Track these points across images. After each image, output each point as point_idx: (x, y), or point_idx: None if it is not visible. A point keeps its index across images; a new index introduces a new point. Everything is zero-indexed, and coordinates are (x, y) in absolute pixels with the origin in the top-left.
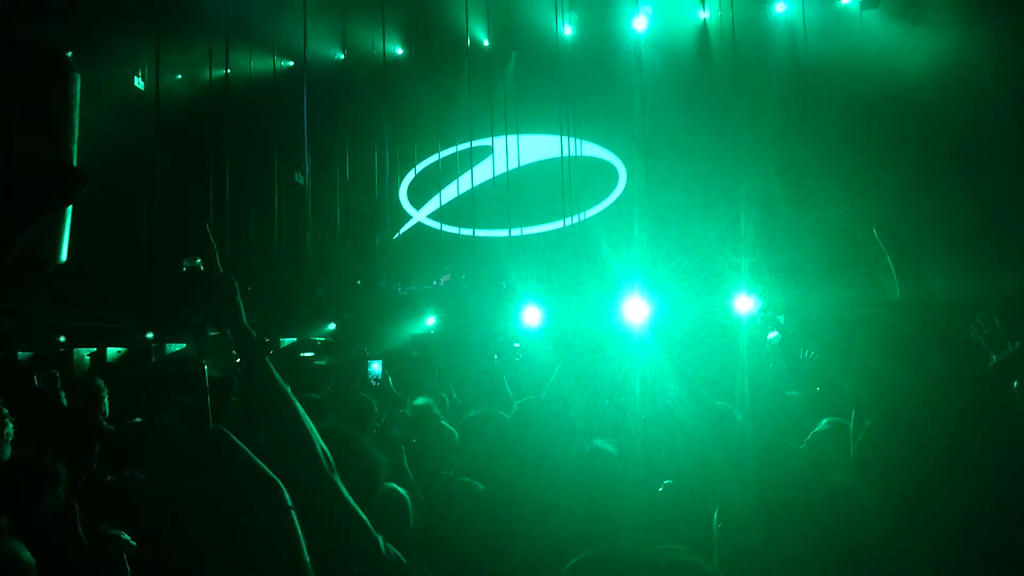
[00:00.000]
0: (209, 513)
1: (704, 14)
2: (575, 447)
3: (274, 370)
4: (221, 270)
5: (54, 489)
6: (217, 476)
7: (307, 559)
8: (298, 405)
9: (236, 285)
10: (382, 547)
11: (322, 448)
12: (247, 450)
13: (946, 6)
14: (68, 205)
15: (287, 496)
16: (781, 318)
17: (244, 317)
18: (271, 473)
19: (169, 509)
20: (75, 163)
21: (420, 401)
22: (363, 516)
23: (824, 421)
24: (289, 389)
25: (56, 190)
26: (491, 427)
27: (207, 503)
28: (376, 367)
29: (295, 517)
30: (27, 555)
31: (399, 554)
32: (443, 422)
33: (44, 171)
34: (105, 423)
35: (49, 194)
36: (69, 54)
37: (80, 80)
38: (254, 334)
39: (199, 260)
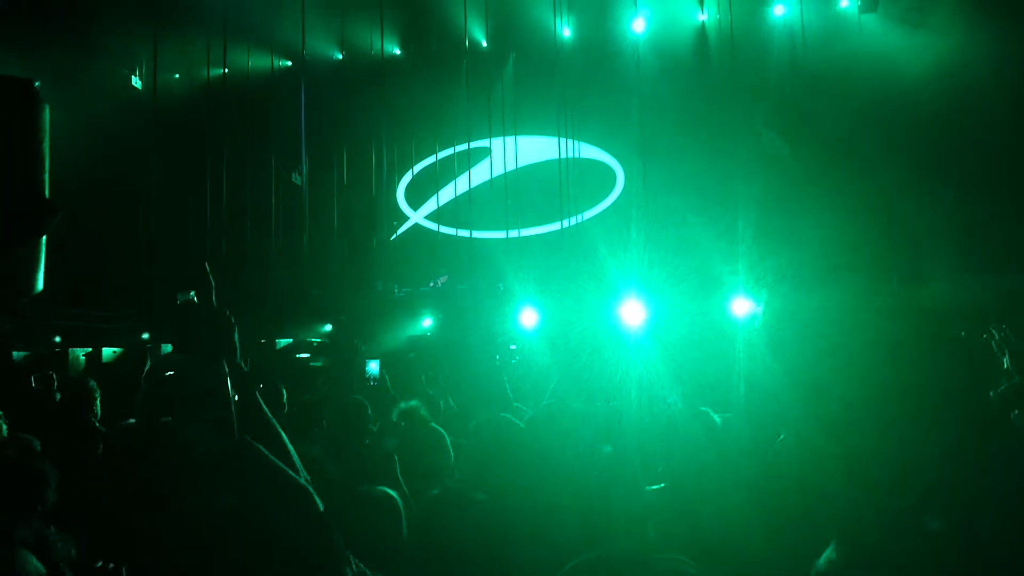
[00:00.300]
0: (245, 526)
1: (703, 16)
2: (592, 455)
3: (262, 403)
4: (215, 305)
5: (44, 491)
6: (248, 487)
7: (347, 564)
8: (284, 436)
9: (233, 321)
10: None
11: (305, 478)
12: (274, 459)
13: (946, 10)
14: (41, 236)
15: (319, 502)
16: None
17: (239, 353)
18: (300, 480)
19: (203, 525)
20: (47, 194)
21: (408, 404)
22: (344, 551)
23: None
24: (276, 422)
25: (29, 221)
26: (503, 433)
27: (241, 516)
28: (373, 367)
29: (328, 521)
30: (35, 562)
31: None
32: (433, 424)
33: (16, 203)
34: (97, 423)
35: (22, 226)
36: (37, 84)
37: (48, 111)
38: (246, 368)
39: (192, 293)
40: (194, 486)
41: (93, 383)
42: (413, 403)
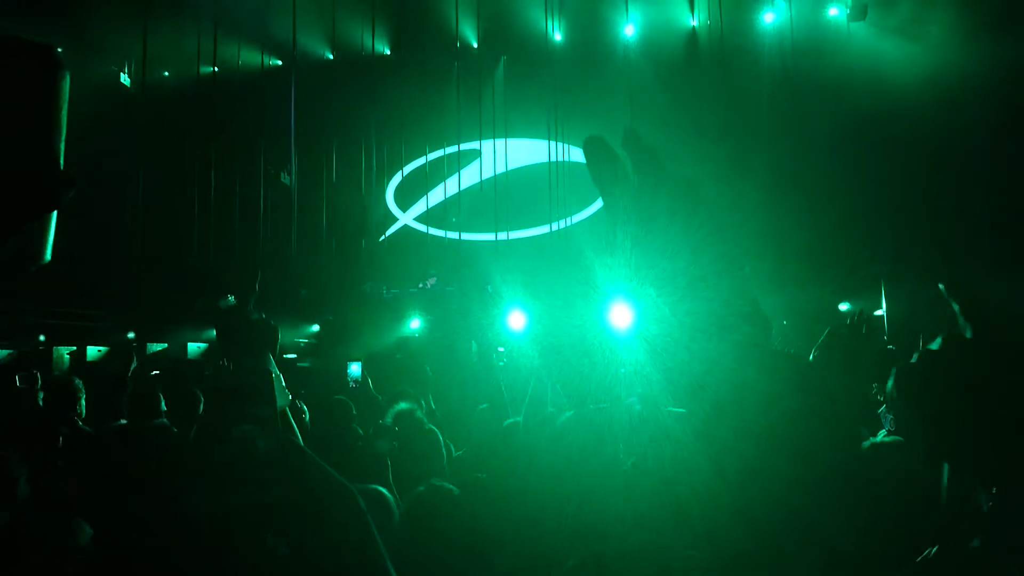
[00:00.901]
0: (291, 524)
1: (693, 21)
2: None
3: (291, 416)
4: (254, 312)
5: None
6: (294, 486)
7: (389, 565)
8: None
9: (275, 325)
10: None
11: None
12: (317, 457)
13: (943, 23)
14: (55, 209)
15: (362, 501)
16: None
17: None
18: (343, 479)
19: (249, 523)
20: (62, 165)
21: (402, 406)
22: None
23: None
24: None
25: (45, 194)
26: (532, 436)
27: (288, 514)
28: (355, 369)
29: (371, 521)
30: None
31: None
32: (429, 426)
33: (31, 173)
34: (81, 423)
35: (36, 198)
36: (59, 50)
37: (69, 78)
38: (279, 375)
39: (232, 298)
40: (249, 483)
41: (78, 382)
42: (405, 405)
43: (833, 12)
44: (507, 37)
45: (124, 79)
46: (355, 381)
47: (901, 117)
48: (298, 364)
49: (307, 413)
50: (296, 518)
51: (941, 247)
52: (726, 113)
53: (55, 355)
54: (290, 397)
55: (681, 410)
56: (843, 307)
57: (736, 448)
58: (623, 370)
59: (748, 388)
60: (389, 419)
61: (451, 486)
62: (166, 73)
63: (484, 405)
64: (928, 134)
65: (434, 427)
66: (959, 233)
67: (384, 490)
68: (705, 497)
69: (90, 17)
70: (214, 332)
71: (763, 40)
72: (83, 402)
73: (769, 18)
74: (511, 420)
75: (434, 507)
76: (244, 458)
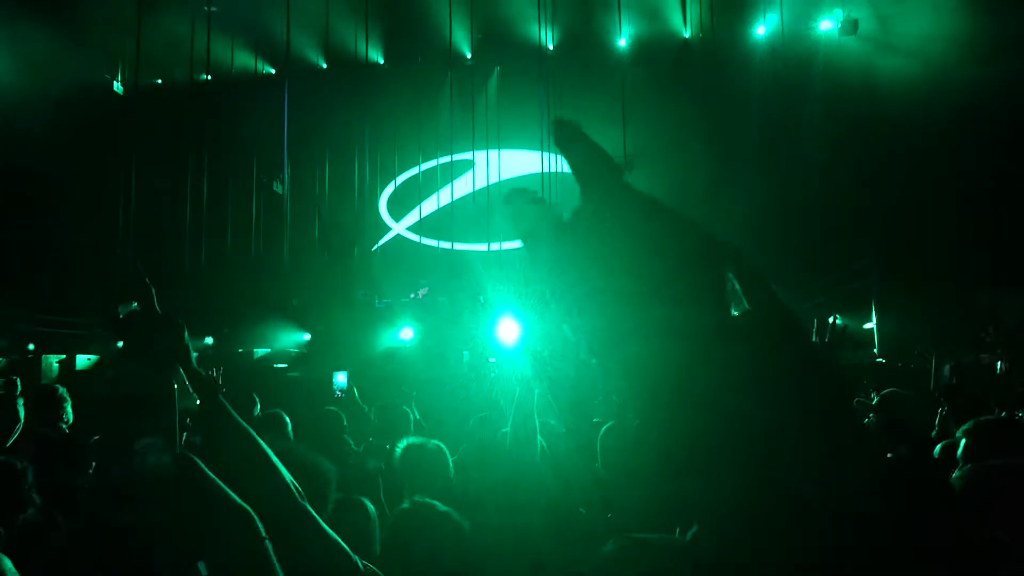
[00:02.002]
0: (175, 547)
1: (687, 34)
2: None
3: (229, 407)
4: (159, 311)
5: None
6: (185, 506)
7: None
8: (259, 439)
9: (183, 324)
10: (360, 566)
11: (291, 480)
12: (215, 478)
13: (921, 34)
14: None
15: (260, 526)
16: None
17: (193, 358)
18: (241, 502)
19: (129, 543)
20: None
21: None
22: (340, 541)
23: None
24: (247, 425)
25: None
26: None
27: (173, 536)
28: (341, 379)
29: (270, 548)
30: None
31: (376, 570)
32: (435, 442)
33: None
34: (66, 430)
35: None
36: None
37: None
38: (203, 373)
39: (135, 304)
40: (135, 501)
41: (62, 389)
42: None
43: (825, 25)
44: (501, 48)
45: (117, 87)
46: (340, 391)
47: (892, 128)
48: (288, 374)
49: (289, 424)
50: (185, 539)
51: (928, 258)
52: (719, 123)
53: (43, 363)
54: (198, 401)
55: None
56: (831, 319)
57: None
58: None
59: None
60: (399, 452)
61: (434, 501)
62: (159, 81)
63: (480, 415)
64: (920, 144)
65: (442, 445)
66: (949, 244)
67: (367, 501)
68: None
69: (84, 23)
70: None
71: (755, 51)
72: (69, 409)
73: (761, 31)
74: (504, 431)
75: (418, 523)
76: (139, 473)
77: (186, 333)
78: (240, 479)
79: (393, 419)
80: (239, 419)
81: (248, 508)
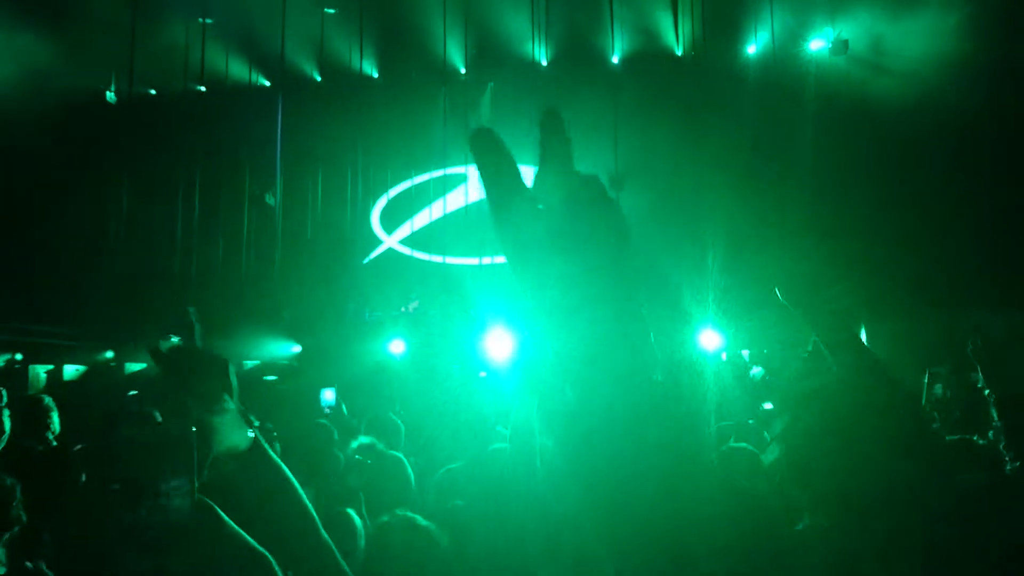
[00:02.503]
0: None
1: (679, 51)
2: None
3: (267, 446)
4: (201, 346)
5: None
6: (204, 554)
7: None
8: (294, 480)
9: (229, 363)
10: None
11: (319, 524)
12: (233, 524)
13: (912, 55)
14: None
15: (278, 570)
16: (746, 355)
17: (237, 396)
18: (259, 547)
19: None
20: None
21: (364, 440)
22: None
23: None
24: (284, 465)
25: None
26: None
27: None
28: (329, 396)
29: None
30: None
31: None
32: (393, 452)
33: None
34: (53, 440)
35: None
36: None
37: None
38: (242, 407)
39: (175, 339)
40: (158, 546)
41: (49, 400)
42: (366, 439)
43: (815, 45)
44: (494, 63)
45: (110, 96)
46: (328, 408)
47: (881, 146)
48: (278, 386)
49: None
50: None
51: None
52: (710, 141)
53: (31, 373)
54: (250, 435)
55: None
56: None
57: (609, 478)
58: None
59: (619, 419)
60: (350, 450)
61: (415, 515)
62: (152, 91)
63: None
64: (909, 164)
65: (399, 454)
66: (934, 267)
67: (353, 513)
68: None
69: (78, 32)
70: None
71: (746, 70)
72: (56, 419)
73: (752, 50)
74: (497, 446)
75: (398, 537)
76: (158, 519)
77: (232, 369)
78: (271, 515)
79: (383, 434)
80: (277, 459)
81: (266, 554)
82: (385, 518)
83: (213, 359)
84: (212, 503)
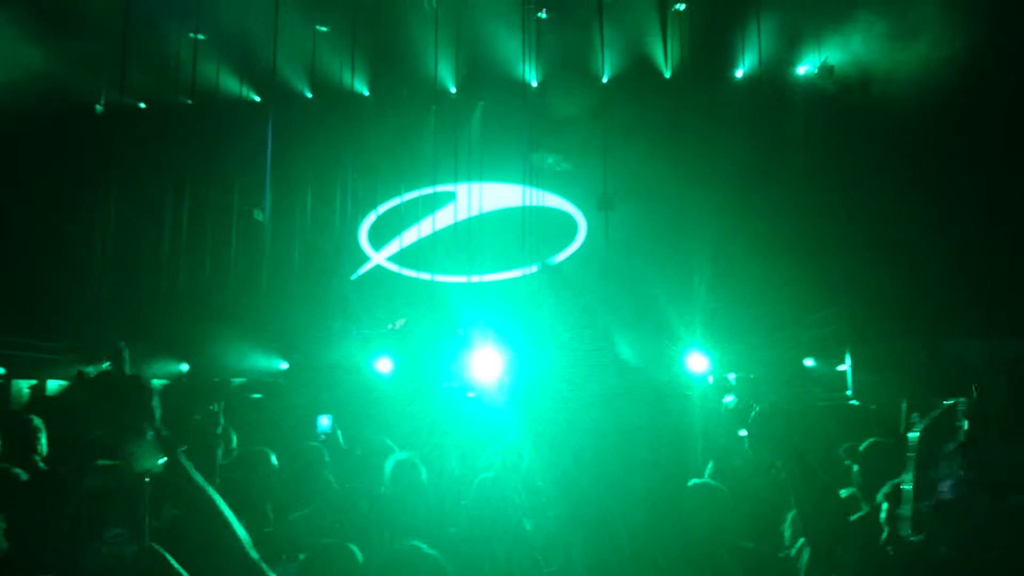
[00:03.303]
0: None
1: (668, 74)
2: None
3: (189, 465)
4: (128, 371)
5: None
6: None
7: None
8: (215, 495)
9: (151, 385)
10: None
11: (243, 534)
12: (180, 568)
13: (899, 82)
14: None
15: None
16: (732, 378)
17: (158, 417)
18: None
19: None
20: None
21: (402, 456)
22: None
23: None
24: (203, 481)
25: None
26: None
27: None
28: (325, 422)
29: None
30: None
31: None
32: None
33: None
34: (41, 464)
35: None
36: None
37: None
38: (165, 433)
39: (106, 364)
40: None
41: (38, 420)
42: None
43: (802, 69)
44: (485, 83)
45: (98, 108)
46: (324, 435)
47: (867, 171)
48: (263, 405)
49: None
50: None
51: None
52: (699, 162)
53: (13, 388)
54: (163, 460)
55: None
56: (808, 362)
57: (593, 498)
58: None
59: (606, 437)
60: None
61: (421, 544)
62: (142, 105)
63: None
64: (893, 188)
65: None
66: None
67: (354, 548)
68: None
69: (66, 44)
70: (84, 401)
71: (736, 89)
72: (44, 441)
73: (740, 73)
74: (483, 476)
75: (404, 568)
76: (113, 564)
77: (156, 398)
78: (197, 536)
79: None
80: (197, 476)
81: None
82: (394, 546)
83: (137, 388)
84: (162, 550)
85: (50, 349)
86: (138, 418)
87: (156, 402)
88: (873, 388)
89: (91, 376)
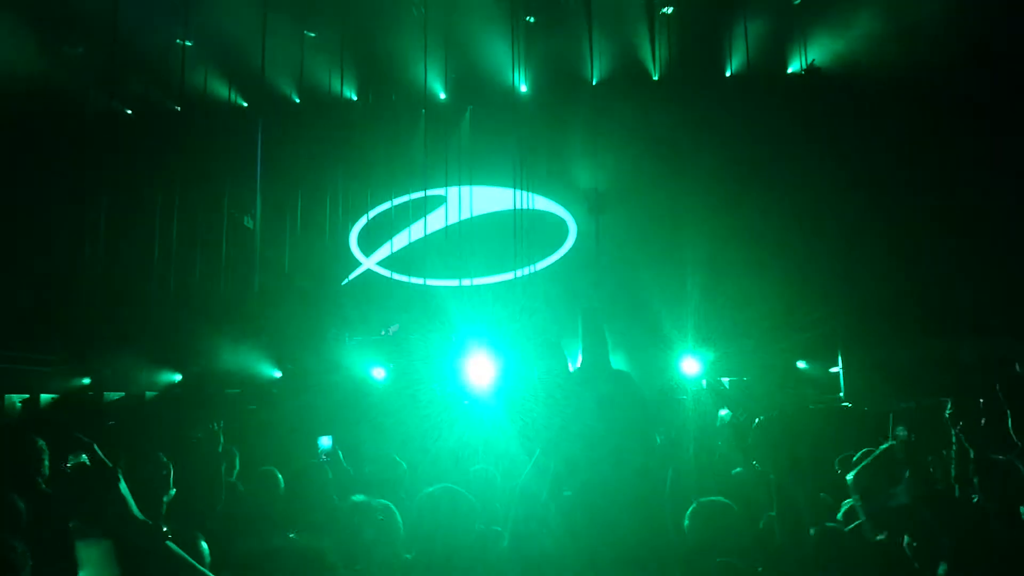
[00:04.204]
0: None
1: (656, 76)
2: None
3: (178, 550)
4: (108, 463)
5: None
6: None
7: None
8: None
9: (119, 475)
10: None
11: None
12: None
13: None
14: None
15: None
16: (726, 382)
17: (133, 506)
18: None
19: None
20: None
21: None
22: None
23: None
24: (195, 562)
25: None
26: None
27: None
28: (326, 441)
29: None
30: None
31: None
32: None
33: None
34: (43, 485)
35: None
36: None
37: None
38: (150, 523)
39: (84, 457)
40: None
41: (42, 442)
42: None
43: (790, 69)
44: (474, 87)
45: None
46: (325, 454)
47: (857, 171)
48: (258, 416)
49: (282, 482)
50: None
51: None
52: (689, 163)
53: (7, 402)
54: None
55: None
56: (800, 364)
57: (585, 502)
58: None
59: (600, 445)
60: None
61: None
62: (129, 111)
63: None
64: (884, 188)
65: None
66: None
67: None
68: (554, 553)
69: (54, 50)
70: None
71: (724, 91)
72: (47, 463)
73: (728, 73)
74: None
75: None
76: None
77: (121, 484)
78: None
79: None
80: (187, 557)
81: None
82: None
83: (102, 474)
84: (176, 548)
85: (41, 361)
86: (104, 508)
87: (125, 492)
88: (866, 391)
89: (69, 471)
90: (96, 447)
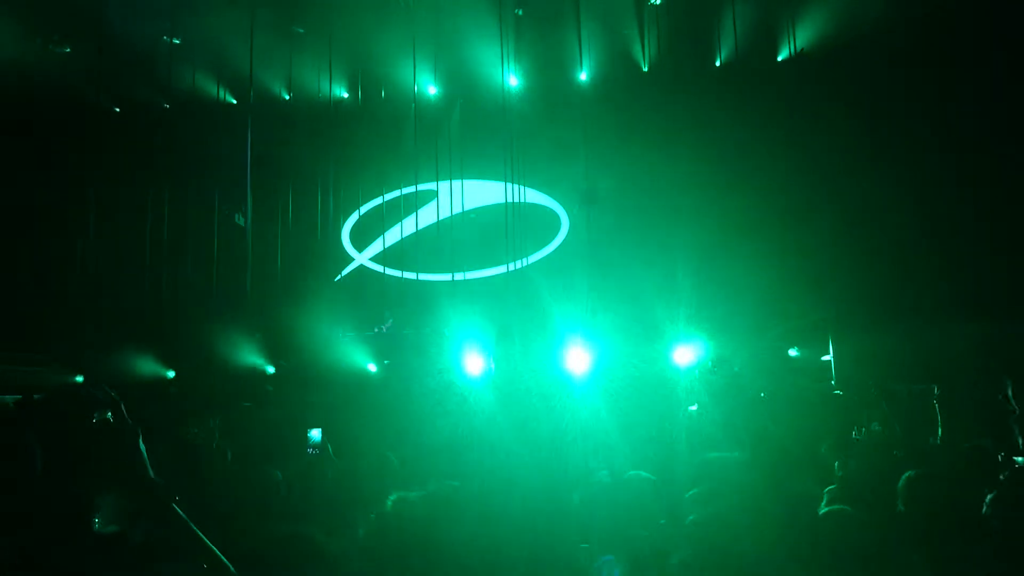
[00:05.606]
0: None
1: (645, 67)
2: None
3: (183, 514)
4: (129, 421)
5: None
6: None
7: None
8: (208, 543)
9: (139, 433)
10: None
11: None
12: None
13: (872, 75)
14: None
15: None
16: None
17: (149, 466)
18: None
19: None
20: None
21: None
22: None
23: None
24: (199, 531)
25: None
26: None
27: None
28: (315, 434)
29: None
30: None
31: None
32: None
33: None
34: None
35: None
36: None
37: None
38: (160, 482)
39: (109, 413)
40: None
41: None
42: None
43: (778, 56)
44: (464, 82)
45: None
46: (314, 447)
47: (848, 158)
48: (253, 413)
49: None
50: None
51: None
52: (679, 153)
53: None
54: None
55: (651, 477)
56: (792, 352)
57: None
58: (574, 419)
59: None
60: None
61: None
62: (117, 109)
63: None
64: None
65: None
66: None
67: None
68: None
69: (42, 48)
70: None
71: (714, 81)
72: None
73: (717, 62)
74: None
75: None
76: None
77: (140, 440)
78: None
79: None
80: (192, 525)
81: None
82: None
83: (125, 432)
84: (181, 512)
85: (34, 362)
86: (123, 466)
87: (143, 449)
88: (857, 378)
89: (96, 423)
90: (122, 405)
